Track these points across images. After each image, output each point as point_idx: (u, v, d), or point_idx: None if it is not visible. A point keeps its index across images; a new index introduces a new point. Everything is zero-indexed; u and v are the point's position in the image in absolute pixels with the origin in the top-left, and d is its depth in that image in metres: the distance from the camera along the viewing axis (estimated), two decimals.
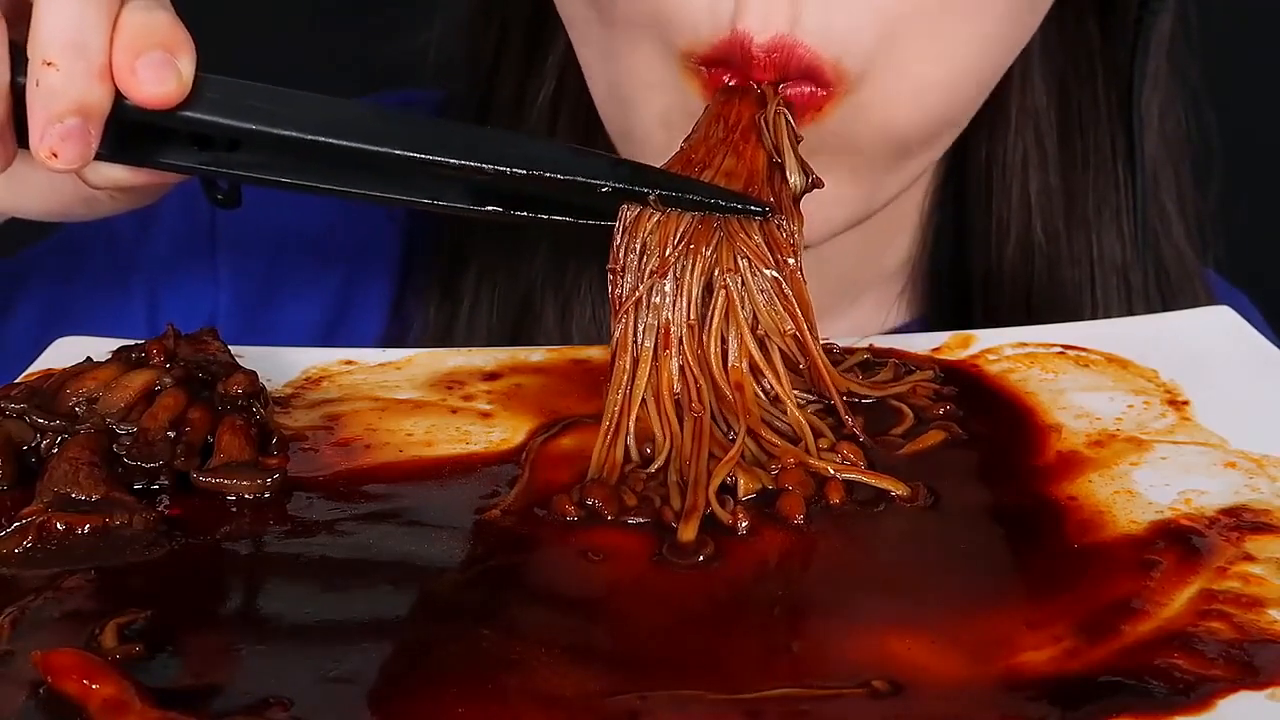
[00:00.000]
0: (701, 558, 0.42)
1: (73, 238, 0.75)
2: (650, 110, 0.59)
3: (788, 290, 0.49)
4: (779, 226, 0.49)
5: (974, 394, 0.52)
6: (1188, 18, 0.72)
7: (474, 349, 0.58)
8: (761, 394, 0.48)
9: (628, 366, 0.48)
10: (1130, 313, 0.71)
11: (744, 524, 0.44)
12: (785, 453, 0.47)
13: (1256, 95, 1.04)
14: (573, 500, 0.45)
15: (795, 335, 0.49)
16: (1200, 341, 0.54)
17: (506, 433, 0.51)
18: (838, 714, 0.36)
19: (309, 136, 0.49)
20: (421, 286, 0.74)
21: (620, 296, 0.49)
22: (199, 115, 0.49)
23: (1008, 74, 0.64)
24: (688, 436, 0.47)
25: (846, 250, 0.70)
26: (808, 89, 0.54)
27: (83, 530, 0.43)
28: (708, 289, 0.48)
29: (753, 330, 0.48)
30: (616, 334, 0.49)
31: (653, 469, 0.47)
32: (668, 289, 0.48)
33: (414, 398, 0.53)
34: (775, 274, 0.49)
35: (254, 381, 0.50)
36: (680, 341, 0.48)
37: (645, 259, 0.48)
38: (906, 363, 0.54)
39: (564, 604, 0.41)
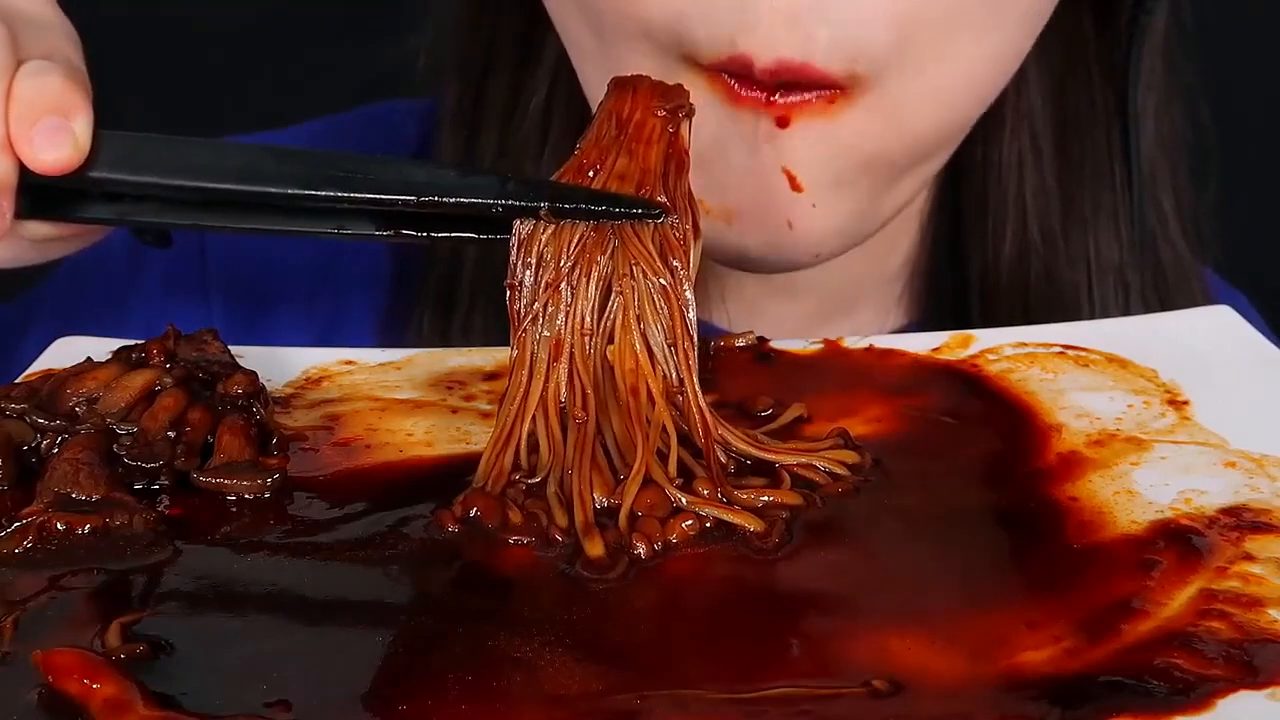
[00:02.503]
0: (615, 574, 0.42)
1: (75, 273, 0.75)
2: None
3: (674, 295, 0.47)
4: (673, 227, 0.48)
5: (974, 394, 0.52)
6: (1181, 16, 0.72)
7: (474, 349, 0.58)
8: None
9: (524, 380, 0.47)
10: (1128, 314, 0.71)
11: (640, 547, 0.43)
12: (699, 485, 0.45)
13: (1252, 94, 1.04)
14: (454, 514, 0.44)
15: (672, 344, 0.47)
16: (1200, 341, 0.54)
17: None
18: (838, 714, 0.36)
19: (200, 184, 0.49)
20: (413, 303, 0.73)
21: (519, 312, 0.48)
22: (99, 174, 0.49)
23: None
24: (571, 446, 0.46)
25: (850, 258, 0.70)
26: (814, 95, 0.54)
27: (83, 530, 0.43)
28: (609, 295, 0.47)
29: (644, 337, 0.47)
30: (514, 350, 0.47)
31: (535, 480, 0.46)
32: (564, 300, 0.47)
33: (414, 398, 0.53)
34: (663, 281, 0.47)
35: (254, 381, 0.50)
36: (571, 351, 0.47)
37: (541, 272, 0.48)
38: (848, 438, 0.49)
39: (565, 604, 0.41)
